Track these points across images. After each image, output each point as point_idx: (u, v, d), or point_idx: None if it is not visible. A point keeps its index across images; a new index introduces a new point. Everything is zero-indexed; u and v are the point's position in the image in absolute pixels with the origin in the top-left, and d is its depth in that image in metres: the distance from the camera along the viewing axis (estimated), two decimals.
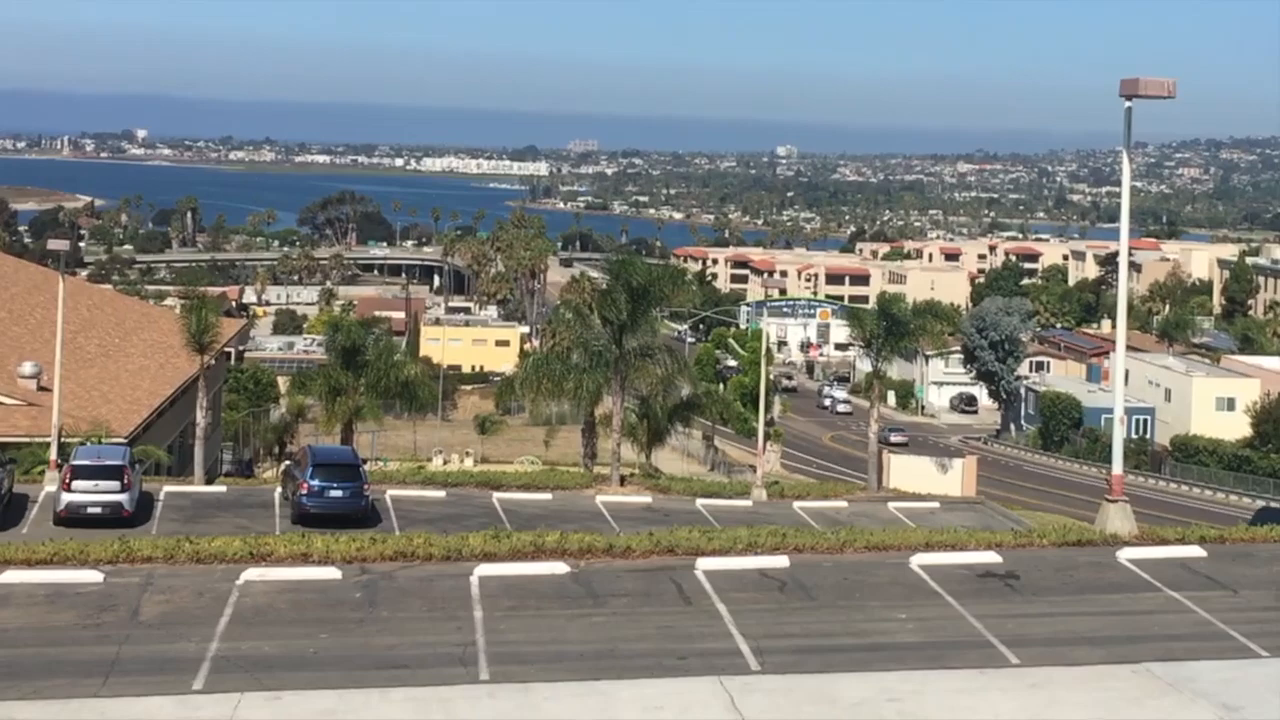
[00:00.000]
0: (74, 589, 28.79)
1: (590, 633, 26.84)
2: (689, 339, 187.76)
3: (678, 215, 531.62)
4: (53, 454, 47.08)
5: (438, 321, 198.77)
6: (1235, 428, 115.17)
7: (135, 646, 25.50)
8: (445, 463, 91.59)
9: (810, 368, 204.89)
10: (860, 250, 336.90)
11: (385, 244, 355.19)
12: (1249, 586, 31.05)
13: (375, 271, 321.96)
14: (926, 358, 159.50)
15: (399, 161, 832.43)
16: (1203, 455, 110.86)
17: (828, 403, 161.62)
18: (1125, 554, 33.19)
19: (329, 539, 32.24)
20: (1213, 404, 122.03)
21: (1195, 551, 33.93)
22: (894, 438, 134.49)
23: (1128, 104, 34.34)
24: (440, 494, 49.86)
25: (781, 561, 31.80)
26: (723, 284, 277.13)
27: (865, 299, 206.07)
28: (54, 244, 54.82)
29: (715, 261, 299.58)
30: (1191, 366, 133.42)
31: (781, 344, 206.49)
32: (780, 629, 27.25)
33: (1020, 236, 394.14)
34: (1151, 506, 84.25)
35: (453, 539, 32.74)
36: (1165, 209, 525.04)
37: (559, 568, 30.90)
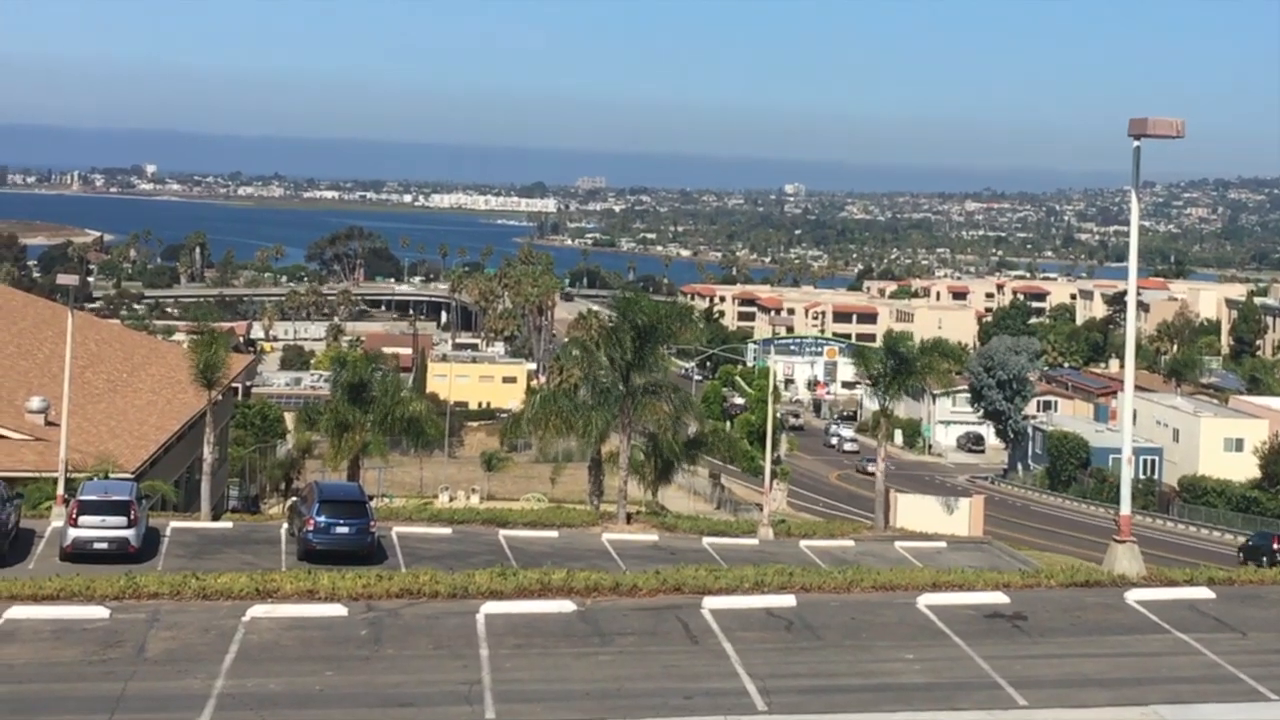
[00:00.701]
0: (80, 625, 28.72)
1: (596, 671, 26.74)
2: (696, 377, 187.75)
3: (685, 252, 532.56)
4: (60, 489, 47.07)
5: (445, 358, 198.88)
6: (1243, 468, 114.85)
7: (141, 683, 25.43)
8: (451, 500, 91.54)
9: (817, 406, 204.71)
10: (868, 288, 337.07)
11: (393, 280, 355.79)
12: (1258, 629, 30.91)
13: (383, 307, 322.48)
14: (934, 396, 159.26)
15: (407, 197, 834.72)
16: (1211, 496, 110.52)
17: (834, 441, 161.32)
18: (1133, 595, 33.05)
19: (335, 576, 32.18)
20: (1221, 444, 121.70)
21: (1204, 593, 33.77)
22: (870, 466, 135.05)
23: (1136, 144, 34.37)
24: (446, 531, 49.79)
25: (788, 601, 31.70)
26: (730, 322, 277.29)
27: (873, 337, 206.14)
28: (63, 279, 55.36)
29: (723, 299, 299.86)
30: (1199, 407, 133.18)
31: (788, 382, 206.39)
32: (787, 669, 27.15)
33: (1028, 275, 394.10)
34: (1159, 547, 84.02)
35: (459, 576, 32.67)
36: (1173, 248, 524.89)
37: (565, 606, 30.80)
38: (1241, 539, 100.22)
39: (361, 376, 64.14)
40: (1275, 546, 75.17)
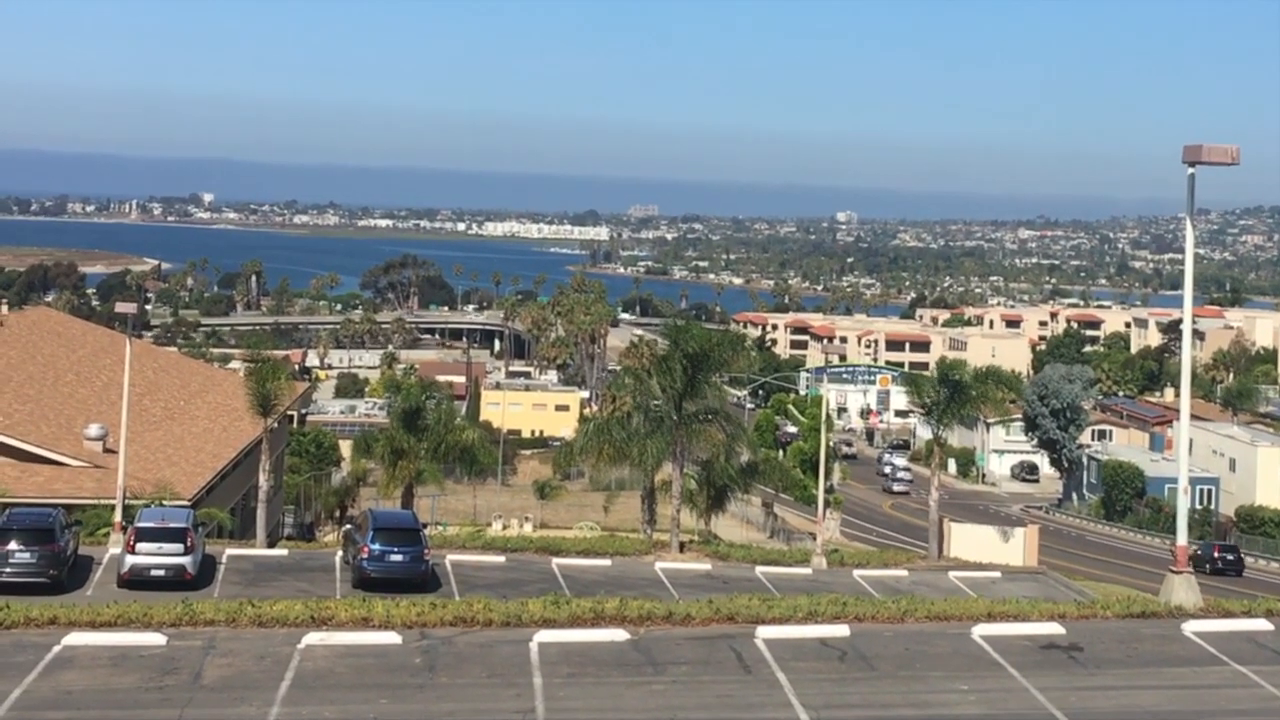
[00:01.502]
0: (137, 651, 28.91)
1: (649, 701, 26.73)
2: (748, 405, 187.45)
3: (737, 280, 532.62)
4: (117, 516, 47.44)
5: (498, 386, 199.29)
6: None
7: (197, 710, 25.60)
8: (505, 528, 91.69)
9: (870, 435, 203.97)
10: (920, 316, 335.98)
11: (446, 308, 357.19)
12: None
13: (436, 335, 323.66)
14: (987, 425, 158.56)
15: (461, 226, 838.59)
16: (1269, 526, 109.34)
17: (887, 470, 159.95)
18: (1190, 626, 32.78)
19: (389, 603, 32.29)
20: (1278, 474, 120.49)
21: (1262, 625, 33.45)
22: (896, 487, 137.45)
23: (1191, 170, 34.23)
24: (500, 559, 49.84)
25: (842, 630, 31.59)
26: (782, 350, 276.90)
27: (925, 366, 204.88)
28: (121, 307, 55.42)
29: (775, 327, 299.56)
30: (1256, 436, 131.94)
31: (841, 410, 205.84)
32: (841, 699, 27.06)
33: (1081, 303, 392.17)
34: (1216, 578, 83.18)
35: (512, 605, 32.72)
36: (1228, 276, 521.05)
37: (618, 634, 30.79)
38: None
39: (416, 403, 64.41)
40: (1216, 554, 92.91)
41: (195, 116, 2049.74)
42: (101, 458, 56.40)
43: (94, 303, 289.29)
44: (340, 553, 47.63)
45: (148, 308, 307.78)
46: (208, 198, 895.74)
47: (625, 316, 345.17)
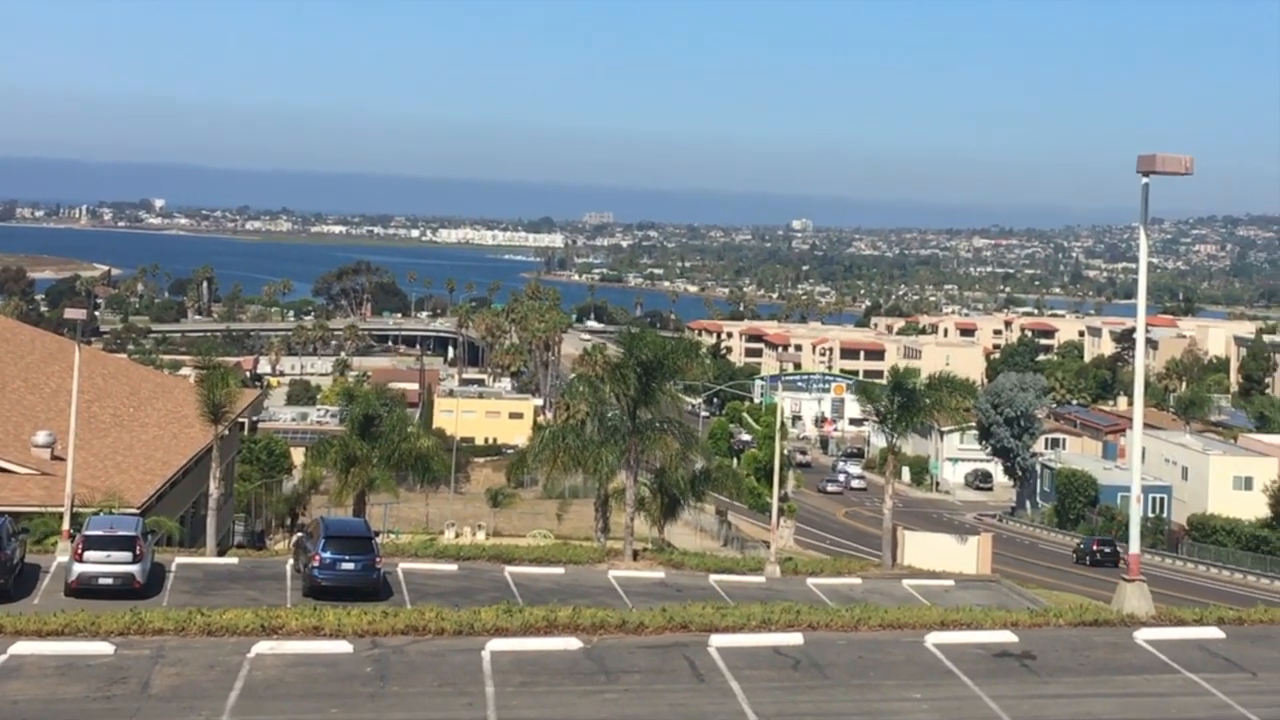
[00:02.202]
0: (85, 661, 28.66)
1: (602, 709, 26.62)
2: (703, 413, 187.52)
3: (692, 288, 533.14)
4: (65, 524, 46.99)
5: (451, 393, 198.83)
6: (1253, 507, 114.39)
7: None
8: (457, 536, 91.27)
9: (825, 442, 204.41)
10: (875, 325, 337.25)
11: (400, 315, 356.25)
12: (1268, 669, 30.74)
13: (390, 343, 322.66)
14: (942, 433, 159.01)
15: (415, 232, 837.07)
16: (1220, 535, 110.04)
17: (841, 478, 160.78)
18: (1142, 635, 32.90)
19: (341, 612, 32.09)
20: (1230, 483, 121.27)
21: (1213, 633, 33.63)
22: (830, 487, 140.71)
23: (1145, 180, 34.36)
24: (452, 568, 49.62)
25: (795, 639, 31.56)
26: (737, 358, 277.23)
27: (880, 374, 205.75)
28: (70, 313, 54.89)
29: (730, 335, 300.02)
30: (1209, 445, 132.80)
31: (796, 418, 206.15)
32: (794, 708, 27.02)
33: (1036, 312, 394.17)
34: (1168, 586, 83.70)
35: (465, 613, 32.56)
36: (1182, 286, 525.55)
37: (571, 643, 30.69)
38: (1251, 578, 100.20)
39: (371, 411, 64.08)
40: (1095, 548, 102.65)
41: (147, 122, 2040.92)
42: (49, 465, 55.83)
43: (43, 309, 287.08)
44: (291, 561, 47.32)
45: (97, 314, 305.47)
46: (159, 203, 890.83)
47: (593, 325, 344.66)
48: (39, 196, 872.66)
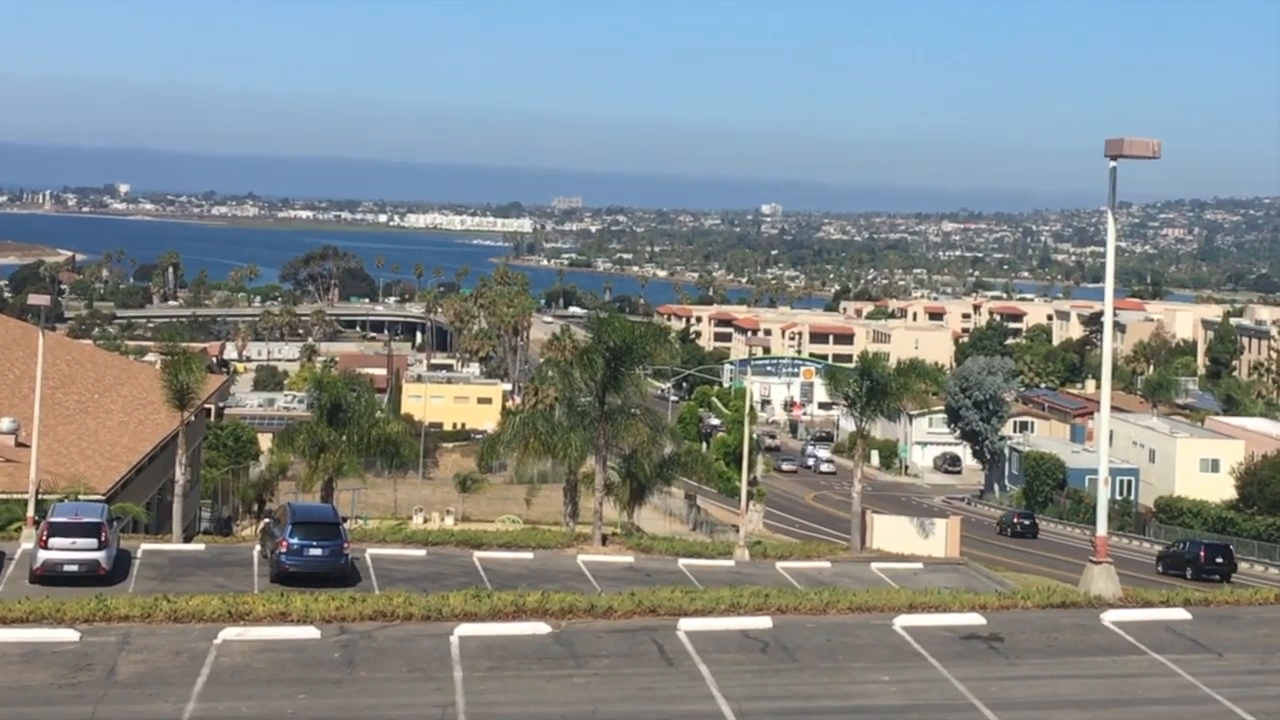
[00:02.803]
0: (50, 648, 28.47)
1: (571, 694, 26.59)
2: (672, 397, 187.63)
3: (662, 273, 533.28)
4: (30, 511, 46.77)
5: (420, 378, 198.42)
6: (1219, 489, 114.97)
7: (111, 706, 25.22)
8: (426, 521, 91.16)
9: (794, 427, 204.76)
10: (844, 309, 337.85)
11: (368, 300, 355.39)
12: (1233, 650, 30.87)
13: (357, 328, 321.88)
14: (910, 417, 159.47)
15: (382, 217, 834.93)
16: (1187, 517, 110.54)
17: (810, 462, 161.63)
18: (1109, 616, 33.01)
19: (308, 598, 31.98)
20: (1197, 465, 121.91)
21: (1180, 614, 33.76)
22: (785, 465, 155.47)
23: (1112, 164, 34.38)
24: (420, 553, 49.55)
25: (764, 622, 31.57)
26: (706, 342, 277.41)
27: (849, 358, 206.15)
28: (34, 299, 54.72)
29: (699, 319, 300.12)
30: (1176, 428, 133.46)
31: (765, 403, 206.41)
32: (763, 690, 27.03)
33: (1004, 296, 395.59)
34: (1136, 569, 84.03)
35: (433, 598, 32.49)
36: (1149, 269, 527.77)
37: (540, 628, 30.65)
38: None
39: (339, 397, 63.90)
40: (1015, 520, 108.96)
41: (112, 106, 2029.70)
42: (14, 452, 55.60)
43: (6, 294, 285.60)
44: (258, 547, 47.20)
45: (61, 300, 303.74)
46: (124, 188, 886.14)
47: (575, 311, 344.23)
48: (2, 181, 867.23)
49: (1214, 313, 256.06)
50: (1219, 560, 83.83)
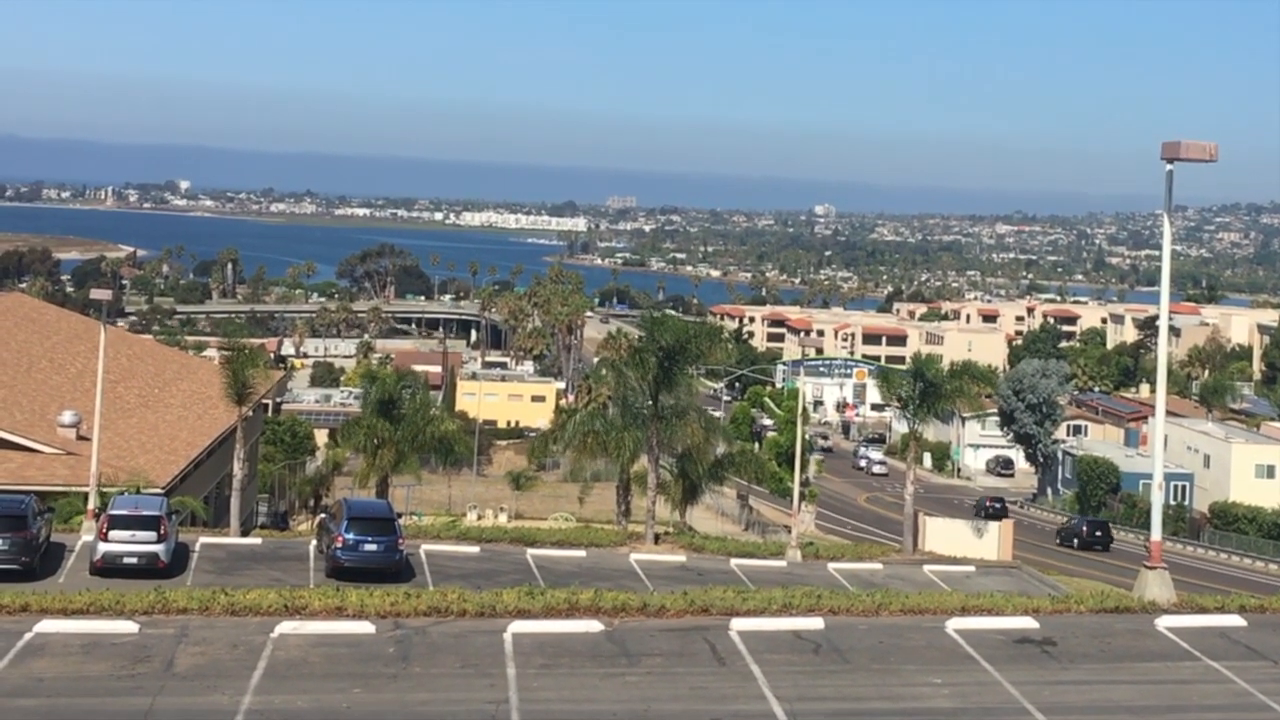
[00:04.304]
0: (109, 639, 28.81)
1: (623, 692, 26.71)
2: (725, 397, 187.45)
3: (715, 273, 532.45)
4: (90, 503, 47.22)
5: (474, 376, 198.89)
6: (1275, 495, 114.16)
7: (169, 698, 25.51)
8: (479, 518, 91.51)
9: (846, 428, 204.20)
10: (897, 310, 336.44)
11: (423, 297, 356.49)
12: None
13: (413, 325, 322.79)
14: (963, 420, 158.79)
15: (438, 215, 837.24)
16: (1242, 523, 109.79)
17: (863, 463, 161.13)
18: (1164, 622, 32.88)
19: (363, 593, 32.21)
20: (1252, 471, 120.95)
21: (1235, 620, 33.58)
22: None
23: (1169, 167, 34.24)
24: (474, 549, 49.76)
25: (816, 623, 31.60)
26: (759, 342, 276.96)
27: (902, 359, 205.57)
28: (96, 294, 55.18)
29: (752, 320, 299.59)
30: (1231, 432, 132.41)
31: (817, 404, 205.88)
32: (814, 692, 27.08)
33: (1058, 299, 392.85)
34: (1190, 574, 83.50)
35: (486, 595, 32.66)
36: (1205, 273, 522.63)
37: (593, 626, 30.77)
38: (1273, 566, 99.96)
39: (392, 393, 64.19)
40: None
41: (173, 103, 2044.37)
42: (75, 445, 56.14)
43: (68, 289, 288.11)
44: (314, 542, 47.47)
45: (123, 295, 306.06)
46: (184, 185, 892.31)
47: (604, 310, 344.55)
48: (65, 178, 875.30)
49: (1270, 317, 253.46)
50: (1099, 534, 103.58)
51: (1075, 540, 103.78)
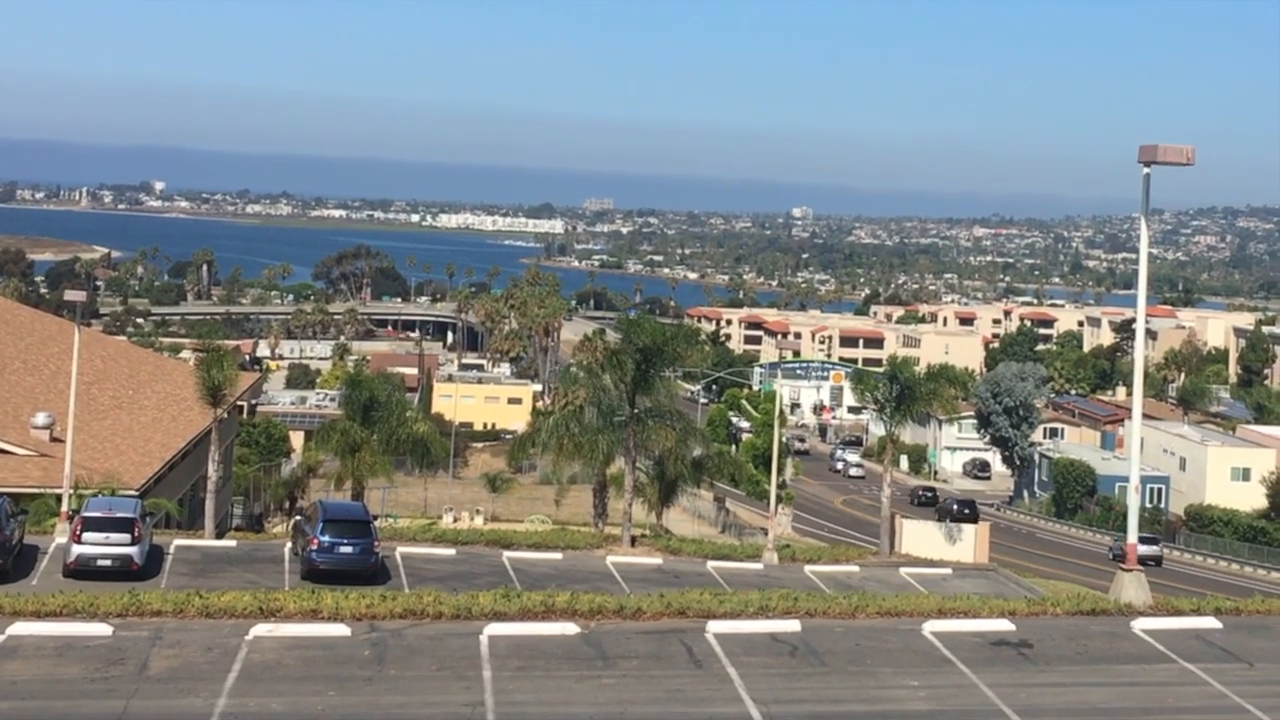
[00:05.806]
0: (83, 642, 28.68)
1: (599, 695, 26.66)
2: (702, 400, 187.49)
3: (692, 275, 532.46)
4: (64, 506, 47.01)
5: (450, 378, 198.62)
6: (1250, 498, 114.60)
7: (143, 701, 25.39)
8: (455, 520, 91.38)
9: (823, 430, 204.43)
10: (874, 313, 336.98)
11: (399, 299, 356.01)
12: (1265, 659, 30.79)
13: (389, 327, 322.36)
14: (940, 422, 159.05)
15: (415, 217, 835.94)
16: (1217, 525, 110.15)
17: (840, 466, 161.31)
18: (1140, 624, 32.94)
19: (339, 595, 32.11)
20: (1228, 474, 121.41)
21: (1210, 623, 33.66)
22: (798, 445, 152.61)
23: (1146, 171, 34.33)
24: (450, 552, 49.66)
25: (793, 626, 31.60)
26: (736, 345, 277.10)
27: (879, 362, 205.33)
28: (70, 295, 54.76)
29: (729, 322, 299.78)
30: (1207, 435, 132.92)
31: (794, 406, 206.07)
32: (791, 694, 27.05)
33: (1035, 302, 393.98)
34: (1166, 577, 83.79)
35: (462, 598, 32.60)
36: (1181, 276, 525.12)
37: (569, 628, 30.73)
38: (1248, 569, 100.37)
39: (375, 396, 64.04)
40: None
41: (148, 104, 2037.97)
42: (48, 446, 55.88)
43: (42, 290, 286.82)
44: (289, 544, 47.35)
45: (97, 296, 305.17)
46: (159, 186, 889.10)
47: (581, 311, 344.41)
48: (39, 178, 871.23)
49: (1246, 321, 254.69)
50: (966, 512, 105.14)
51: (948, 517, 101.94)
